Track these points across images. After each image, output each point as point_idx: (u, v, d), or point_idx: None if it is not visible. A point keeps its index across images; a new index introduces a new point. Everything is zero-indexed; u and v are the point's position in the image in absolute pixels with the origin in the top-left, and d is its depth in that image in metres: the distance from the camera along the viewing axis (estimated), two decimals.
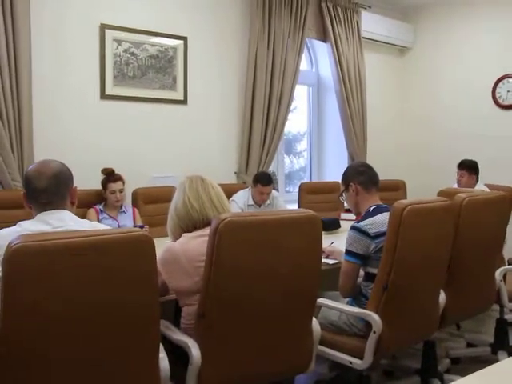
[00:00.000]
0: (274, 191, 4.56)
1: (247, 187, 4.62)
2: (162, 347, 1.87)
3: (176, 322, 2.21)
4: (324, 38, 5.76)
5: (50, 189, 1.98)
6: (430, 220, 2.53)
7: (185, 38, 4.79)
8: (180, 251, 2.08)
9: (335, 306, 2.59)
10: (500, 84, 5.89)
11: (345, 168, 3.00)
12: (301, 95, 6.27)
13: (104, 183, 3.92)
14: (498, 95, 5.91)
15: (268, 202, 4.48)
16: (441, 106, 6.40)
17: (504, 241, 3.47)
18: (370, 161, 5.68)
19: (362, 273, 2.64)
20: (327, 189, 5.35)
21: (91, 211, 3.85)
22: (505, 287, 3.30)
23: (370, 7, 6.08)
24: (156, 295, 1.79)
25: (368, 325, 2.44)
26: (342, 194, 2.91)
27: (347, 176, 2.84)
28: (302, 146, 6.50)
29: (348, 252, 2.59)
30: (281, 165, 5.97)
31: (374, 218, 2.60)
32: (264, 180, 4.35)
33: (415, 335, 2.74)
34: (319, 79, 6.30)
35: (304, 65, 6.07)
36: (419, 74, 6.65)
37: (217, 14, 5.01)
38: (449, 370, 3.28)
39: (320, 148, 6.38)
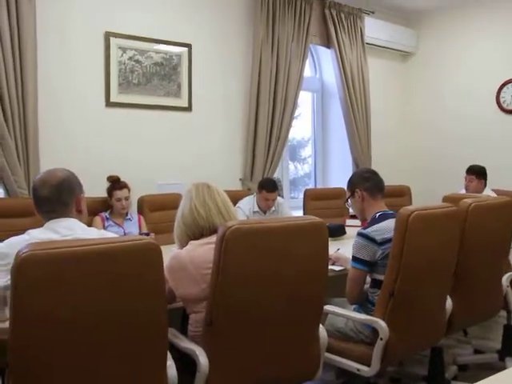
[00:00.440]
0: (279, 198, 4.56)
1: (252, 194, 4.62)
2: (169, 355, 1.87)
3: (183, 330, 2.21)
4: (327, 43, 5.78)
5: (52, 197, 2.00)
6: (435, 226, 2.53)
7: (189, 45, 4.81)
8: (187, 258, 2.08)
9: (342, 312, 2.59)
10: (504, 89, 5.89)
11: (349, 174, 3.01)
12: (305, 101, 6.29)
13: (110, 191, 3.93)
14: (502, 100, 5.91)
15: (273, 208, 4.48)
16: (445, 111, 6.40)
17: (510, 246, 3.46)
18: (374, 166, 5.69)
19: (368, 279, 2.64)
20: (332, 195, 5.35)
21: (97, 219, 3.86)
22: None
23: (373, 13, 6.10)
24: (164, 303, 1.80)
25: (375, 331, 2.43)
26: (347, 200, 2.92)
27: (353, 182, 2.84)
28: (307, 152, 6.51)
29: (355, 259, 2.59)
30: (285, 171, 5.97)
31: (381, 224, 2.60)
32: (269, 186, 4.35)
33: (422, 342, 2.74)
34: (323, 85, 6.31)
35: (308, 71, 6.08)
36: (422, 79, 6.66)
37: (221, 21, 5.04)
38: (456, 377, 3.26)
39: (324, 154, 6.39)
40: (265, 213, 4.45)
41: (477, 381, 1.21)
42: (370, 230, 2.57)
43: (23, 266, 1.51)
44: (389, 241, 2.48)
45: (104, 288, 1.63)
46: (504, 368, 1.36)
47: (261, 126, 5.12)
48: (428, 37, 6.57)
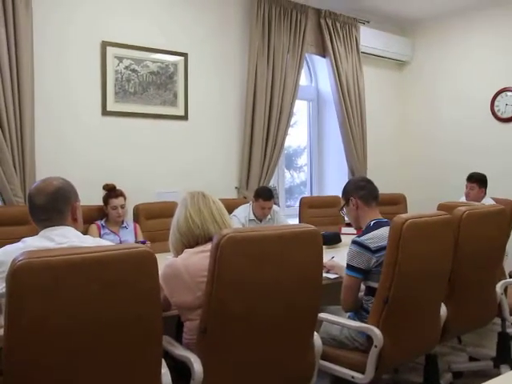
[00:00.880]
0: (274, 206, 4.58)
1: (248, 202, 4.64)
2: (164, 362, 1.88)
3: (178, 338, 2.21)
4: (323, 53, 5.82)
5: (47, 206, 2.01)
6: (429, 234, 2.55)
7: (185, 55, 4.84)
8: (182, 267, 2.09)
9: (336, 320, 2.60)
10: (498, 97, 5.93)
11: (345, 182, 3.03)
12: (301, 110, 6.32)
13: (105, 199, 3.95)
14: (496, 108, 5.95)
15: (269, 216, 4.50)
16: (440, 120, 6.45)
17: (505, 254, 3.48)
18: (370, 174, 5.72)
19: (363, 287, 2.65)
20: (328, 203, 5.37)
21: (93, 227, 3.87)
22: (506, 300, 3.30)
23: (368, 22, 6.15)
24: (158, 310, 1.80)
25: (369, 339, 2.44)
26: (342, 209, 2.94)
27: (348, 190, 2.86)
28: (303, 160, 6.53)
29: (349, 266, 2.60)
30: (281, 179, 5.99)
31: (375, 232, 2.62)
32: (265, 195, 4.37)
33: (417, 349, 2.75)
34: (319, 94, 6.35)
35: (303, 80, 6.12)
36: (418, 88, 6.70)
37: (217, 31, 5.07)
38: None
39: (320, 162, 6.41)
40: (260, 221, 4.46)
41: None
42: (365, 238, 2.59)
43: (18, 274, 1.51)
44: (383, 249, 2.50)
45: (99, 296, 1.64)
46: (499, 375, 1.36)
47: (257, 134, 5.14)
48: (423, 46, 6.61)
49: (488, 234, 2.95)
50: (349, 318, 2.68)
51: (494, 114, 5.97)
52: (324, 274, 2.77)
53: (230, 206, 4.14)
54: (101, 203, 3.97)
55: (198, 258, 2.10)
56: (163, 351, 1.91)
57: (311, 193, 6.39)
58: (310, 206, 5.34)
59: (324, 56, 5.83)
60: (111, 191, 3.95)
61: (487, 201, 4.74)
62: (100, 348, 1.66)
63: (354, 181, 2.98)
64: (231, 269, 1.93)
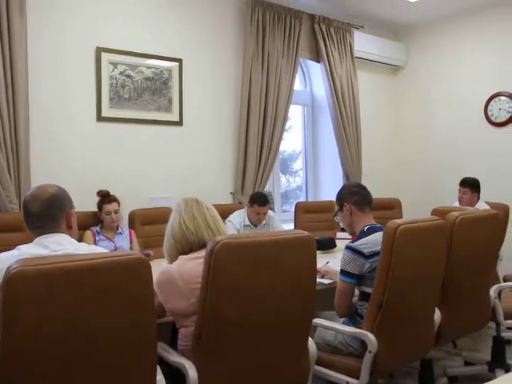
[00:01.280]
0: (269, 211, 4.58)
1: (243, 207, 4.64)
2: (159, 369, 1.88)
3: (173, 344, 2.22)
4: (317, 58, 5.84)
5: (42, 213, 2.01)
6: (423, 239, 2.56)
7: (180, 60, 4.85)
8: (176, 273, 2.10)
9: (331, 325, 2.60)
10: (492, 102, 5.96)
11: (340, 186, 3.04)
12: (295, 115, 6.34)
13: (99, 205, 3.95)
14: (489, 113, 5.98)
15: (264, 222, 4.50)
16: (434, 124, 6.48)
17: (499, 258, 3.50)
18: (364, 179, 5.74)
19: (357, 292, 2.66)
20: (323, 208, 5.38)
21: (88, 233, 3.87)
22: (500, 305, 3.31)
23: (362, 27, 6.17)
24: (153, 317, 1.81)
25: (364, 344, 2.45)
26: (336, 214, 2.95)
27: (341, 196, 2.87)
28: (298, 164, 6.55)
29: (343, 272, 2.61)
30: (277, 184, 6.00)
31: (369, 237, 2.63)
32: (261, 200, 4.37)
33: (411, 353, 2.75)
34: (313, 99, 6.37)
35: (298, 85, 6.14)
36: (412, 93, 6.73)
37: (211, 36, 5.09)
38: None
39: (315, 167, 6.43)
40: (255, 226, 4.47)
41: None
42: (358, 244, 2.60)
43: (13, 282, 1.52)
44: (377, 254, 2.51)
45: (93, 303, 1.64)
46: (493, 379, 1.36)
47: (251, 139, 5.15)
48: (417, 50, 6.65)
49: (481, 238, 2.97)
50: (343, 323, 2.69)
51: (487, 118, 6.00)
52: (318, 280, 2.78)
53: (225, 212, 4.16)
54: (96, 209, 3.97)
55: (193, 265, 2.10)
56: (158, 358, 1.91)
57: (307, 197, 6.41)
58: (306, 211, 5.35)
59: (318, 61, 5.85)
60: (105, 197, 3.95)
61: (481, 205, 4.76)
62: (95, 355, 1.67)
63: (348, 186, 3.00)
64: (225, 275, 1.94)
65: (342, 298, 2.63)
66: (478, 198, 4.89)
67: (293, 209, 5.45)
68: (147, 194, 4.60)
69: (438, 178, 6.29)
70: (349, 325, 2.64)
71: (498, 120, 5.92)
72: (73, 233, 2.11)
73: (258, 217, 4.40)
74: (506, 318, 3.35)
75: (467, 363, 3.77)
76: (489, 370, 3.46)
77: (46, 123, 4.14)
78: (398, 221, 2.46)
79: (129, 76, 4.54)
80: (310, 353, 2.29)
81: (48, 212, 2.02)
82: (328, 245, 4.06)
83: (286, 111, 5.44)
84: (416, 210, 5.03)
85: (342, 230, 4.31)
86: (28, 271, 1.54)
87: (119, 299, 1.70)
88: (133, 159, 4.60)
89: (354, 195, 2.81)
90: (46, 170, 4.04)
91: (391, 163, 6.71)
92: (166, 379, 1.91)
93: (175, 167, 4.85)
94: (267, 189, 5.51)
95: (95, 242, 3.78)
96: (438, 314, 2.81)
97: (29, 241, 2.03)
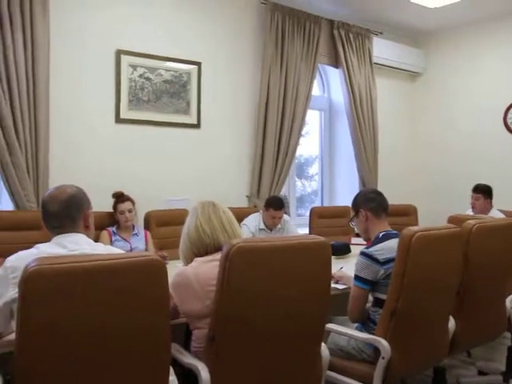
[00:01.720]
0: (285, 215, 4.58)
1: (258, 211, 4.65)
2: (172, 370, 1.90)
3: (186, 346, 2.23)
4: (336, 63, 5.84)
5: (61, 213, 2.03)
6: (438, 247, 2.55)
7: (199, 63, 4.88)
8: (192, 275, 2.11)
9: (344, 331, 2.60)
10: (511, 109, 5.91)
11: (356, 192, 3.03)
12: (313, 119, 6.34)
13: (114, 205, 4.00)
14: (509, 121, 5.93)
15: (279, 226, 4.50)
16: (452, 131, 6.43)
17: None
18: (381, 185, 5.72)
19: (370, 298, 2.66)
20: (338, 213, 5.37)
21: (104, 233, 3.91)
22: None
23: (381, 33, 6.17)
24: (167, 319, 1.82)
25: (377, 350, 2.44)
26: (352, 220, 2.94)
27: (357, 202, 2.87)
28: (314, 169, 6.55)
29: (357, 277, 2.61)
30: (292, 188, 6.00)
31: (384, 244, 2.62)
32: (276, 204, 4.38)
33: (425, 361, 2.74)
34: (331, 104, 6.37)
35: (316, 90, 6.14)
36: (430, 99, 6.70)
37: (230, 40, 5.11)
38: None
39: (331, 172, 6.42)
40: (271, 230, 4.47)
41: None
42: (373, 250, 2.59)
43: (30, 280, 1.54)
44: (391, 260, 2.50)
45: (109, 303, 1.66)
46: None
47: (268, 143, 5.16)
48: (436, 57, 6.62)
49: (498, 247, 2.94)
50: (356, 329, 2.69)
51: (506, 125, 5.95)
52: (332, 285, 2.77)
53: (241, 215, 4.17)
54: (112, 210, 4.01)
55: (208, 267, 2.11)
56: (171, 359, 1.92)
57: (322, 202, 6.40)
58: (321, 216, 5.35)
59: (337, 66, 5.85)
60: (119, 197, 4.00)
61: (495, 213, 4.74)
62: (108, 354, 1.69)
63: (364, 193, 2.99)
64: (240, 278, 1.95)
65: (355, 304, 2.63)
66: (491, 206, 4.86)
67: (308, 213, 5.45)
68: (164, 196, 4.63)
69: (455, 186, 6.25)
70: (362, 331, 2.63)
71: None
72: (90, 233, 2.13)
73: (273, 221, 4.40)
74: None
75: (481, 373, 3.73)
76: (503, 380, 3.42)
77: (65, 124, 4.19)
78: (414, 228, 2.45)
79: (148, 78, 4.58)
80: (322, 358, 2.28)
81: (66, 212, 2.04)
82: (342, 250, 4.05)
83: (304, 116, 5.45)
84: (432, 218, 5.01)
85: (357, 235, 4.30)
86: (45, 270, 1.56)
87: (134, 300, 1.71)
88: (150, 161, 4.63)
89: (371, 202, 2.80)
90: (64, 171, 4.09)
91: (408, 170, 6.68)
92: (178, 380, 1.92)
93: (192, 170, 4.87)
94: (283, 193, 5.51)
95: (111, 243, 3.82)
96: (452, 323, 2.79)
97: (46, 239, 2.06)
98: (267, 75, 5.13)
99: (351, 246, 4.17)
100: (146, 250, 3.94)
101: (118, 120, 4.45)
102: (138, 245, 3.95)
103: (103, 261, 1.68)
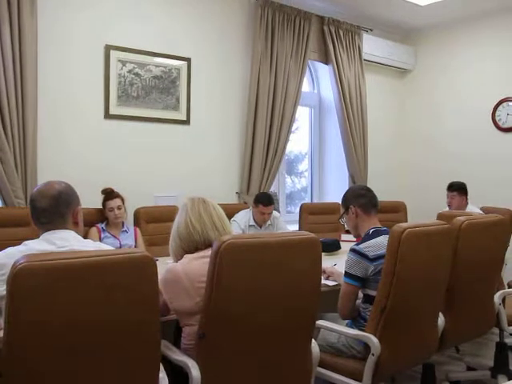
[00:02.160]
0: (275, 212, 4.58)
1: (248, 207, 4.65)
2: (162, 367, 1.89)
3: (176, 342, 2.22)
4: (326, 60, 5.84)
5: (50, 209, 2.02)
6: (428, 243, 2.55)
7: (188, 59, 4.86)
8: (181, 272, 2.10)
9: (334, 327, 2.60)
10: (500, 107, 5.94)
11: (346, 188, 3.04)
12: (302, 116, 6.34)
13: (103, 202, 3.97)
14: (497, 118, 5.96)
15: (269, 222, 4.50)
16: (441, 128, 6.46)
17: (504, 263, 3.48)
18: (370, 182, 5.74)
19: (360, 295, 2.66)
20: (328, 210, 5.37)
21: (93, 230, 3.88)
22: (504, 311, 3.30)
23: (371, 30, 6.17)
24: (157, 315, 1.82)
25: (367, 347, 2.45)
26: (342, 217, 2.94)
27: (347, 199, 2.87)
28: (304, 166, 6.55)
29: (347, 274, 2.61)
30: (282, 185, 6.00)
31: (373, 240, 2.62)
32: (265, 200, 4.38)
33: (414, 357, 2.75)
34: (321, 100, 6.37)
35: (306, 86, 6.13)
36: (420, 96, 6.72)
37: (220, 36, 5.09)
38: None
39: (321, 169, 6.42)
40: (260, 227, 4.47)
41: None
42: (363, 246, 2.60)
43: (19, 277, 1.53)
44: (381, 257, 2.51)
45: (98, 299, 1.65)
46: None
47: (258, 139, 5.15)
48: (425, 54, 6.64)
49: (487, 243, 2.96)
50: (346, 325, 2.69)
51: (495, 123, 5.98)
52: (323, 281, 2.78)
53: (231, 211, 4.15)
54: (101, 206, 3.99)
55: (198, 264, 2.11)
56: (161, 356, 1.91)
57: (312, 199, 6.41)
58: (310, 213, 5.35)
59: (326, 63, 5.85)
60: (108, 194, 3.97)
61: (472, 208, 4.77)
62: (98, 351, 1.67)
63: (354, 189, 3.00)
64: (230, 275, 1.94)
65: (345, 301, 2.63)
66: (467, 202, 4.90)
67: (297, 210, 5.45)
68: (153, 193, 4.61)
69: (443, 183, 6.22)
70: (352, 327, 2.64)
71: (506, 125, 5.90)
72: (79, 229, 2.12)
73: (262, 217, 4.40)
74: (510, 324, 3.34)
75: (470, 368, 3.76)
76: (491, 375, 3.45)
77: (53, 120, 4.16)
78: (404, 224, 2.46)
79: (137, 74, 4.55)
80: (312, 354, 2.29)
81: (55, 208, 2.02)
82: (332, 247, 4.06)
83: (294, 112, 5.44)
84: (421, 214, 5.04)
85: (347, 231, 4.32)
86: (34, 267, 1.55)
87: (124, 296, 1.70)
88: (139, 157, 4.61)
89: (360, 198, 2.81)
90: (52, 166, 4.06)
91: (397, 166, 6.70)
92: (168, 377, 1.91)
93: (181, 166, 4.86)
94: (272, 189, 5.51)
95: (100, 239, 3.80)
96: (441, 319, 2.81)
97: (35, 236, 2.04)
98: (257, 71, 5.11)
99: (341, 243, 4.18)
100: (136, 246, 3.92)
101: (107, 116, 4.42)
102: (127, 241, 3.93)
103: (92, 257, 1.66)
